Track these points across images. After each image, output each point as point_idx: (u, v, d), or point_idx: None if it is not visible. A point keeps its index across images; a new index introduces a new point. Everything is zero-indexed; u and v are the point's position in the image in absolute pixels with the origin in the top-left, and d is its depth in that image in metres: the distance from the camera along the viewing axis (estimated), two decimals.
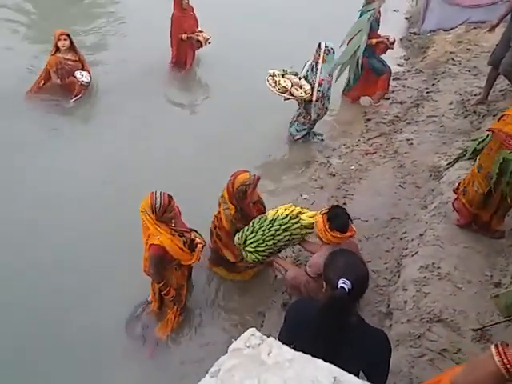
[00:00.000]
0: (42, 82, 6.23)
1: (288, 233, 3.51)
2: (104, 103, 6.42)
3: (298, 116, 5.72)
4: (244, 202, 3.66)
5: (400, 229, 4.34)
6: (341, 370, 1.25)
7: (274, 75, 5.42)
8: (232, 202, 3.65)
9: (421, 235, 3.95)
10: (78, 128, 6.05)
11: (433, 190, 4.57)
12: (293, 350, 1.29)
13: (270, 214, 3.61)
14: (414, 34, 8.30)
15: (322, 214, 3.22)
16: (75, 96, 6.22)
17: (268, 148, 5.85)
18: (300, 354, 1.28)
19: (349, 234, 3.22)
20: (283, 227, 3.49)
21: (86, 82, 6.24)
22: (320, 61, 5.27)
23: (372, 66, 6.25)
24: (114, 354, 3.63)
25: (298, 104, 5.62)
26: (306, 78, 5.44)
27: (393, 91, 6.77)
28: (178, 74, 7.07)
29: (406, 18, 9.16)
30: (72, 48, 6.20)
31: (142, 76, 6.78)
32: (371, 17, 4.29)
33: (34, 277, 4.06)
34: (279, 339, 1.39)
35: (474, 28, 7.37)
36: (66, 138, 5.76)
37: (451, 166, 4.67)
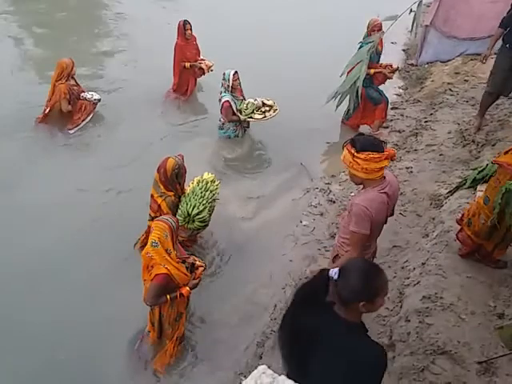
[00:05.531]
0: (48, 109, 6.21)
1: (208, 192, 4.24)
2: (103, 129, 6.43)
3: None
4: (180, 183, 4.15)
5: (401, 257, 4.30)
6: None
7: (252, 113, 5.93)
8: (168, 189, 4.08)
9: (423, 264, 3.91)
10: (75, 154, 5.99)
11: (433, 219, 4.55)
12: None
13: (190, 187, 4.26)
14: (412, 65, 8.43)
15: (345, 145, 2.81)
16: (87, 116, 6.34)
17: (267, 172, 5.96)
18: None
19: (386, 153, 2.70)
20: (205, 188, 4.24)
21: (98, 99, 6.39)
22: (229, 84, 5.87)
23: (369, 96, 6.34)
24: None
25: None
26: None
27: (391, 120, 6.84)
28: (178, 100, 7.12)
29: (404, 50, 9.34)
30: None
31: (141, 103, 6.80)
32: (371, 49, 4.41)
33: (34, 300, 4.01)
34: None
35: (471, 60, 7.50)
36: (64, 164, 5.74)
37: (451, 194, 4.68)
